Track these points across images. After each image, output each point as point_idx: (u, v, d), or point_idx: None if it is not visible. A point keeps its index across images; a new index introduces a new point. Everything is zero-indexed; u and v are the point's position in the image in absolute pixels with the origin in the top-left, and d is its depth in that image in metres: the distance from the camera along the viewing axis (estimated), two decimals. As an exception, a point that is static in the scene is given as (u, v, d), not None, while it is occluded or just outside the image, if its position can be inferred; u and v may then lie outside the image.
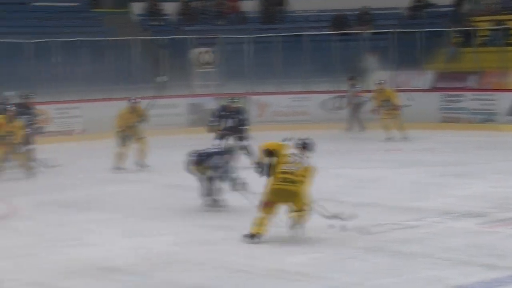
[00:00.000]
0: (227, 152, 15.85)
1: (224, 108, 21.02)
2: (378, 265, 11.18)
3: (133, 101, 20.91)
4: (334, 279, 10.46)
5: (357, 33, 31.67)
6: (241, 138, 20.34)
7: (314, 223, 12.81)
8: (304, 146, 12.79)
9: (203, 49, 30.55)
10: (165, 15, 34.30)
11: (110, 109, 23.50)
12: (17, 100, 20.80)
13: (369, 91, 27.24)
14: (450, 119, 28.39)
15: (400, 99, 25.97)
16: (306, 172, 12.46)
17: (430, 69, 30.20)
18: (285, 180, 12.40)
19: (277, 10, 34.63)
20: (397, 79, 29.33)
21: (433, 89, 29.55)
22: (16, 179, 19.48)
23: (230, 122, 20.34)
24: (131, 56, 29.25)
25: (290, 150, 12.74)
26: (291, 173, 12.39)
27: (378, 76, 28.90)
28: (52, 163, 20.13)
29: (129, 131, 20.44)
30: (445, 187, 17.14)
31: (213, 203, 15.27)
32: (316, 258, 11.64)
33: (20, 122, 19.90)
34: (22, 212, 15.73)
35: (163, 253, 12.06)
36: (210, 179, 15.21)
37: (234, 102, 21.14)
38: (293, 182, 12.37)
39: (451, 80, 29.74)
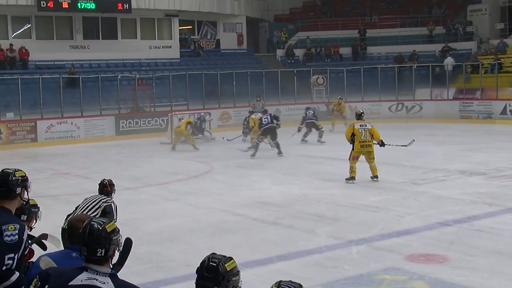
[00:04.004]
0: None
1: None
2: (424, 203, 11.08)
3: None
4: (398, 211, 10.47)
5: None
6: None
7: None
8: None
9: (318, 76, 30.41)
10: (296, 56, 34.29)
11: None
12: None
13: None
14: None
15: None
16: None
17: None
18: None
19: (360, 52, 34.21)
20: None
21: None
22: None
23: None
24: (277, 80, 29.29)
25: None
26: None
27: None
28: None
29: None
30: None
31: None
32: (385, 199, 11.63)
33: None
34: (216, 170, 15.97)
35: (296, 194, 12.23)
36: None
37: None
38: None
39: None
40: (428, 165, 15.28)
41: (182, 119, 21.54)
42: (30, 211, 4.69)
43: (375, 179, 13.17)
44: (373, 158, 13.12)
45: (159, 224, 10.09)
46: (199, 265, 3.03)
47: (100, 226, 3.34)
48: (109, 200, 6.57)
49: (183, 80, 27.36)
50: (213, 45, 33.89)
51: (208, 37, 33.76)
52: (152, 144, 21.95)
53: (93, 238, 3.29)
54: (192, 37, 33.04)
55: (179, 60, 31.13)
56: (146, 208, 11.38)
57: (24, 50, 26.60)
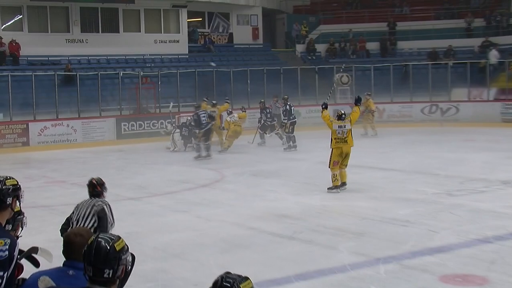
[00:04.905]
0: None
1: None
2: (461, 216, 11.03)
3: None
4: (431, 225, 10.41)
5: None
6: None
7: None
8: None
9: (342, 74, 30.29)
10: (318, 52, 34.26)
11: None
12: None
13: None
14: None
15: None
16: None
17: None
18: None
19: (390, 47, 34.11)
20: None
21: None
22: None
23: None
24: (296, 79, 29.24)
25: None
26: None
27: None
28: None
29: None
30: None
31: None
32: (417, 212, 11.58)
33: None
34: (227, 178, 15.99)
35: (315, 206, 12.22)
36: None
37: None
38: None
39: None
40: (465, 175, 15.21)
41: (231, 111, 21.92)
42: (15, 219, 4.68)
43: (343, 186, 13.62)
44: (347, 164, 13.63)
45: (165, 238, 10.10)
46: (211, 285, 3.02)
47: (108, 244, 3.28)
48: (101, 202, 6.59)
49: (191, 78, 27.45)
50: (225, 39, 34.00)
51: (220, 30, 33.88)
52: (157, 149, 22.01)
53: (101, 257, 3.25)
54: (202, 30, 33.17)
55: (187, 56, 31.27)
56: (150, 220, 11.41)
57: (14, 44, 26.83)
